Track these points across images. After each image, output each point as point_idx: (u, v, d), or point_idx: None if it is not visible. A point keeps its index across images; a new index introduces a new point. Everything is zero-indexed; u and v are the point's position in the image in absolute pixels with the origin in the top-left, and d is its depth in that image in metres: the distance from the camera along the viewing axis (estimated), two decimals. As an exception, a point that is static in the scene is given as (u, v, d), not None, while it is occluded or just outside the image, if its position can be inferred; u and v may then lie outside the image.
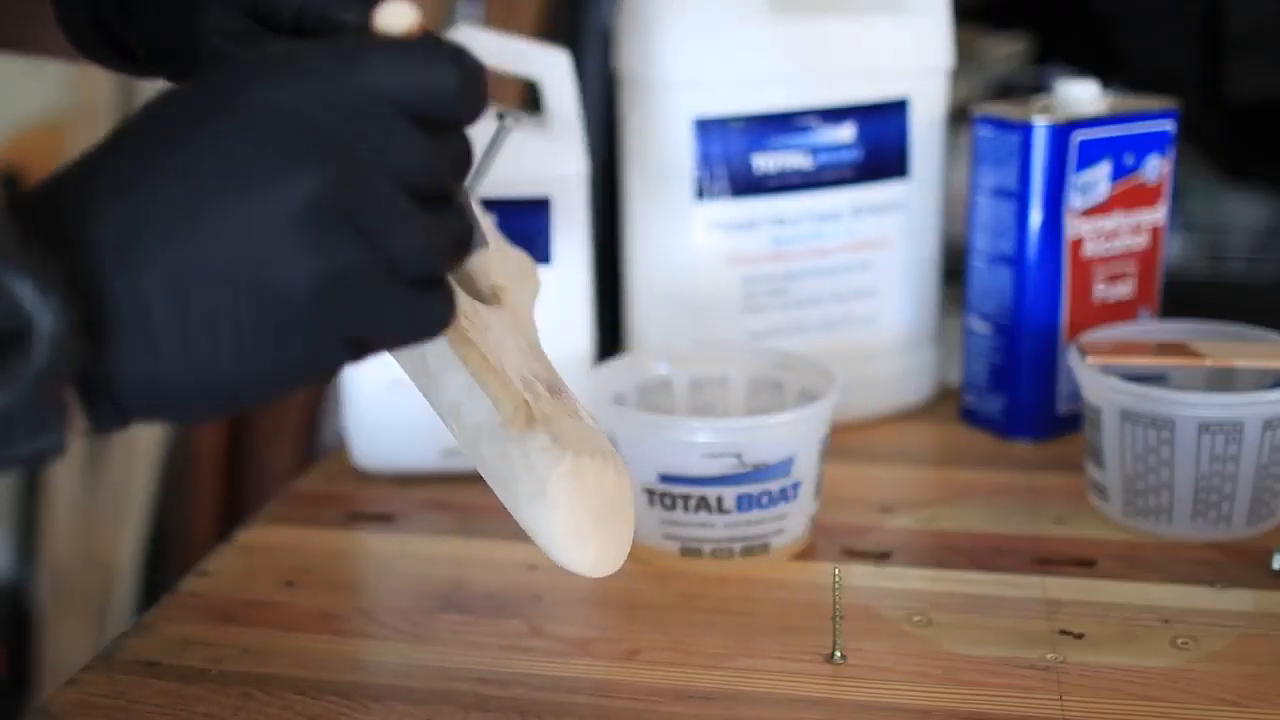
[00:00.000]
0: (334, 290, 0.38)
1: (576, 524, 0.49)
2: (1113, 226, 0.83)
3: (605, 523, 0.50)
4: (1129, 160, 0.82)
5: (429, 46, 0.41)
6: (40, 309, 0.35)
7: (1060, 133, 0.80)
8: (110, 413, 0.39)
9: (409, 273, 0.40)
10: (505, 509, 0.57)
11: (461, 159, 0.43)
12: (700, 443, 0.67)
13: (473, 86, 0.41)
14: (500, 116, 0.58)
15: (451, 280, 0.45)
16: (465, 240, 0.42)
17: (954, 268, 0.91)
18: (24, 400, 0.35)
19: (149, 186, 0.38)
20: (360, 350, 0.41)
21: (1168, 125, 0.84)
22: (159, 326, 0.38)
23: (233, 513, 1.39)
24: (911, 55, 0.85)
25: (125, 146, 0.40)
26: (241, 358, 0.38)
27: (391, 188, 0.40)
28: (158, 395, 0.39)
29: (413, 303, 0.41)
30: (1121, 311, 0.85)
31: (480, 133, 0.50)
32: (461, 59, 0.41)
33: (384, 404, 0.79)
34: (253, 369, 0.39)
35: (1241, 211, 1.25)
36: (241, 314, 0.38)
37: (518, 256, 0.61)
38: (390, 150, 0.40)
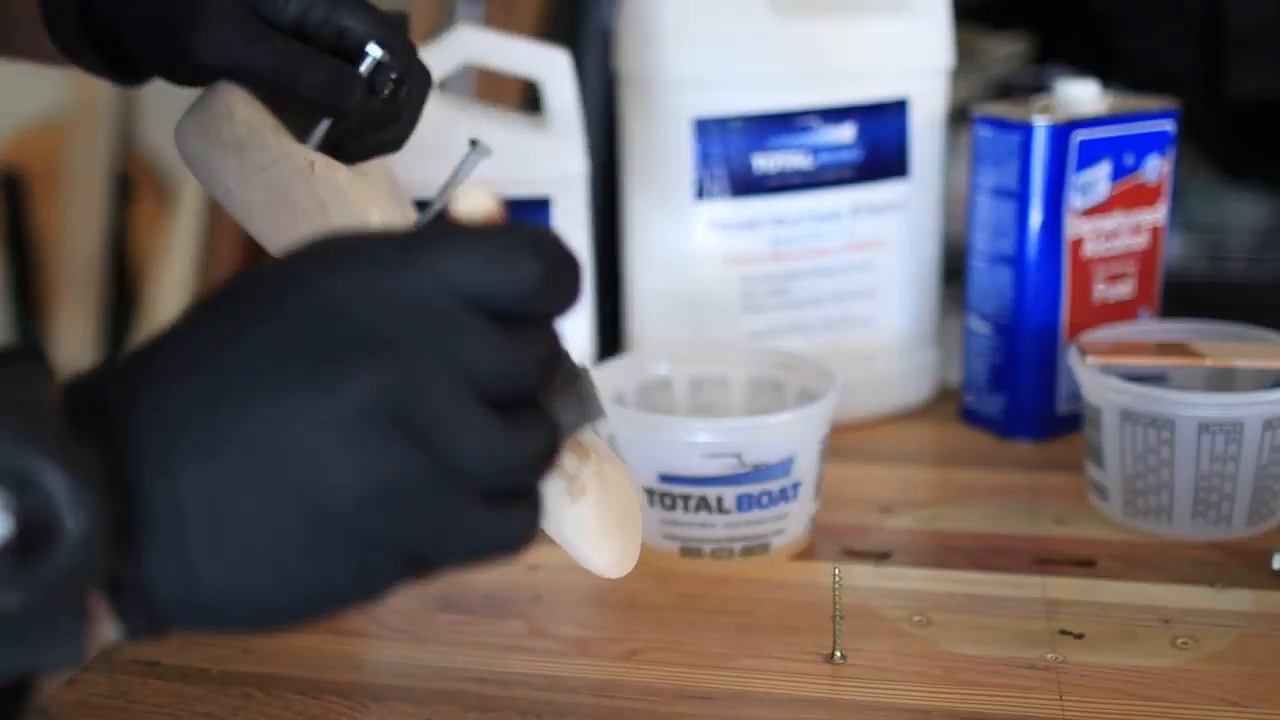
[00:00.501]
0: (385, 503, 0.34)
1: (602, 524, 0.49)
2: (1113, 226, 0.83)
3: (625, 523, 0.50)
4: (1129, 160, 0.82)
5: (506, 234, 0.36)
6: (73, 505, 0.32)
7: (1060, 133, 0.80)
8: (142, 620, 0.35)
9: (482, 486, 0.36)
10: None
11: (551, 359, 0.38)
12: (700, 443, 0.67)
13: (559, 278, 0.37)
14: (472, 143, 0.57)
15: None
16: (551, 450, 0.37)
17: (954, 268, 0.91)
18: (41, 604, 0.32)
19: (195, 385, 0.35)
20: (422, 569, 0.36)
21: (1168, 125, 0.84)
22: (194, 532, 0.34)
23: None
24: (911, 55, 0.85)
25: (178, 338, 0.37)
26: (281, 571, 0.35)
27: (459, 391, 0.35)
28: (192, 604, 0.35)
29: (485, 519, 0.36)
30: (1121, 311, 0.85)
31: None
32: (546, 248, 0.36)
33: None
34: (295, 584, 0.35)
35: (1241, 211, 1.25)
36: (282, 524, 0.34)
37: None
38: (459, 350, 0.35)
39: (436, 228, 0.37)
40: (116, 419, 0.35)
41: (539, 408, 0.38)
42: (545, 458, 0.37)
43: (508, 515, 0.36)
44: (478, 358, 0.36)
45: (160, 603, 0.35)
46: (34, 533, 0.32)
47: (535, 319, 0.37)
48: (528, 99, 0.99)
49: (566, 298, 0.37)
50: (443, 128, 0.77)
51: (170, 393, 0.35)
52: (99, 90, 1.74)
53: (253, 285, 0.37)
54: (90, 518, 0.32)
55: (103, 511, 0.33)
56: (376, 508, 0.34)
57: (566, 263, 0.37)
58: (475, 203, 0.38)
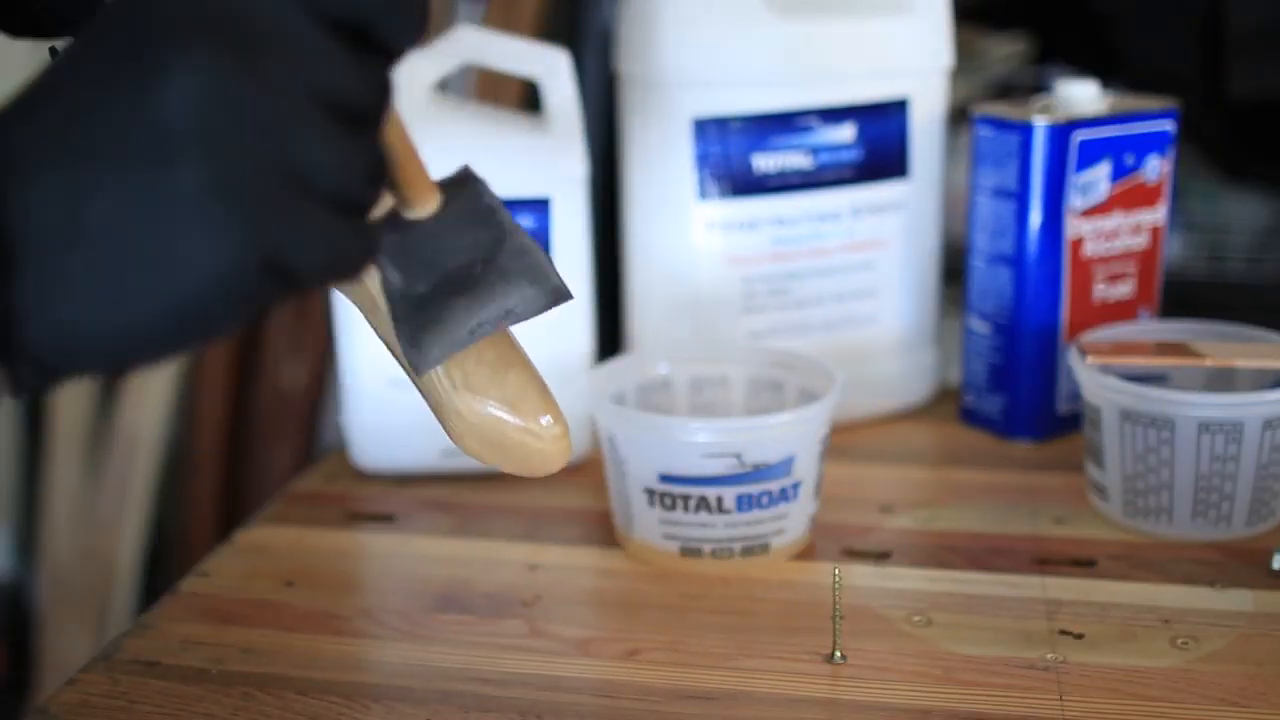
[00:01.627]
0: (232, 187, 0.34)
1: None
2: (1113, 226, 0.83)
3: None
4: (1129, 160, 0.82)
5: None
6: None
7: (1060, 133, 0.80)
8: (16, 359, 0.35)
9: (324, 190, 0.37)
10: (505, 509, 0.57)
11: (385, 87, 0.39)
12: (700, 443, 0.67)
13: (405, 5, 0.38)
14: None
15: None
16: (380, 169, 0.39)
17: (954, 268, 0.91)
18: None
19: (42, 95, 0.35)
20: (280, 276, 0.36)
21: (1168, 125, 0.84)
22: (56, 246, 0.34)
23: (233, 513, 1.39)
24: (911, 55, 0.85)
25: (43, 73, 0.37)
26: (149, 275, 0.35)
27: (306, 95, 0.36)
28: (68, 335, 0.35)
29: (331, 225, 0.37)
30: (1121, 311, 0.85)
31: None
32: None
33: (384, 404, 0.79)
34: (164, 290, 0.35)
35: (1241, 211, 1.25)
36: (140, 224, 0.34)
37: None
38: (306, 59, 0.36)
39: None
40: None
41: (370, 131, 0.39)
42: (376, 172, 0.38)
43: (350, 225, 0.38)
44: (325, 69, 0.37)
45: (29, 337, 0.35)
46: None
47: (378, 44, 0.39)
48: (528, 99, 0.99)
49: (411, 28, 0.39)
50: (443, 128, 0.77)
51: (16, 111, 0.35)
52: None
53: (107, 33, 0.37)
54: None
55: None
56: (232, 197, 0.34)
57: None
58: None
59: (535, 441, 0.49)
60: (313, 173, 0.36)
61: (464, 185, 0.47)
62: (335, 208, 0.37)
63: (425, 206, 0.46)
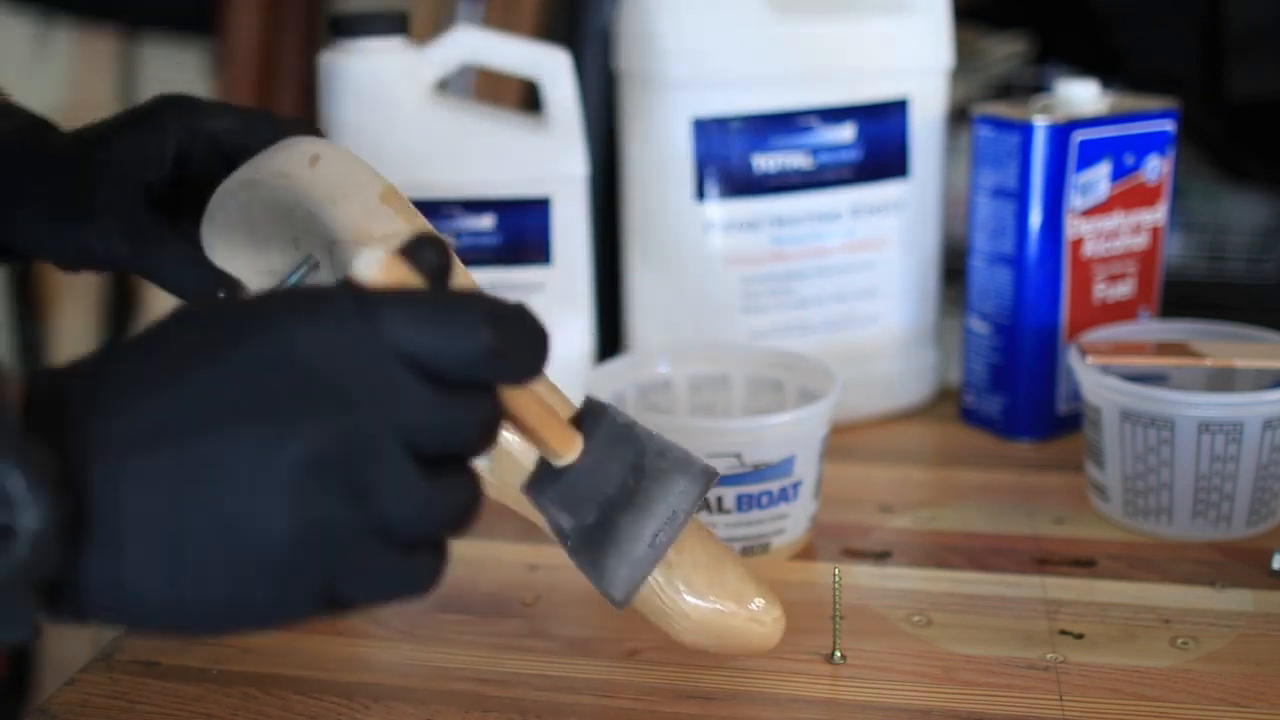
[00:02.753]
0: (310, 545, 0.37)
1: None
2: (1113, 226, 0.83)
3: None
4: (1129, 160, 0.82)
5: (460, 303, 0.39)
6: (28, 503, 0.35)
7: (1060, 133, 0.80)
8: (69, 614, 0.38)
9: (400, 536, 0.39)
10: (505, 509, 0.57)
11: (486, 418, 0.40)
12: (700, 443, 0.67)
13: (511, 349, 0.39)
14: (307, 258, 0.55)
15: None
16: (471, 508, 0.40)
17: (954, 268, 0.91)
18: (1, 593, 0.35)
19: (154, 406, 0.38)
20: (336, 605, 0.39)
21: (1168, 125, 0.84)
22: (130, 541, 0.37)
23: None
24: (911, 55, 0.85)
25: (140, 354, 0.39)
26: (203, 590, 0.38)
27: (392, 448, 0.38)
28: (117, 607, 0.38)
29: (398, 566, 0.39)
30: (1121, 311, 0.85)
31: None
32: (498, 319, 0.39)
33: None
34: (214, 604, 0.38)
35: (1241, 211, 1.25)
36: (212, 550, 0.37)
37: None
38: (397, 409, 0.38)
39: (399, 292, 0.39)
40: (72, 423, 0.37)
41: (464, 465, 0.40)
42: (465, 512, 0.40)
43: (418, 562, 0.40)
44: (418, 418, 0.38)
45: (89, 600, 0.38)
46: None
47: (480, 384, 0.40)
48: (528, 99, 0.99)
49: (519, 366, 0.40)
50: (443, 128, 0.77)
51: (128, 406, 0.38)
52: (99, 90, 1.74)
53: (220, 317, 0.40)
54: (44, 515, 0.35)
55: (54, 510, 0.35)
56: (301, 548, 0.37)
57: (520, 328, 0.40)
58: (369, 259, 0.39)
59: (759, 628, 0.55)
60: (393, 523, 0.38)
61: (597, 414, 0.50)
62: (408, 549, 0.39)
63: (571, 451, 0.48)
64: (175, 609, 0.38)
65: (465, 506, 0.40)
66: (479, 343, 0.38)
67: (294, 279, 0.54)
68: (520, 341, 0.40)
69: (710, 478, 0.52)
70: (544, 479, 0.49)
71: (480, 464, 0.54)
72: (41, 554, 0.35)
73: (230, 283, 0.57)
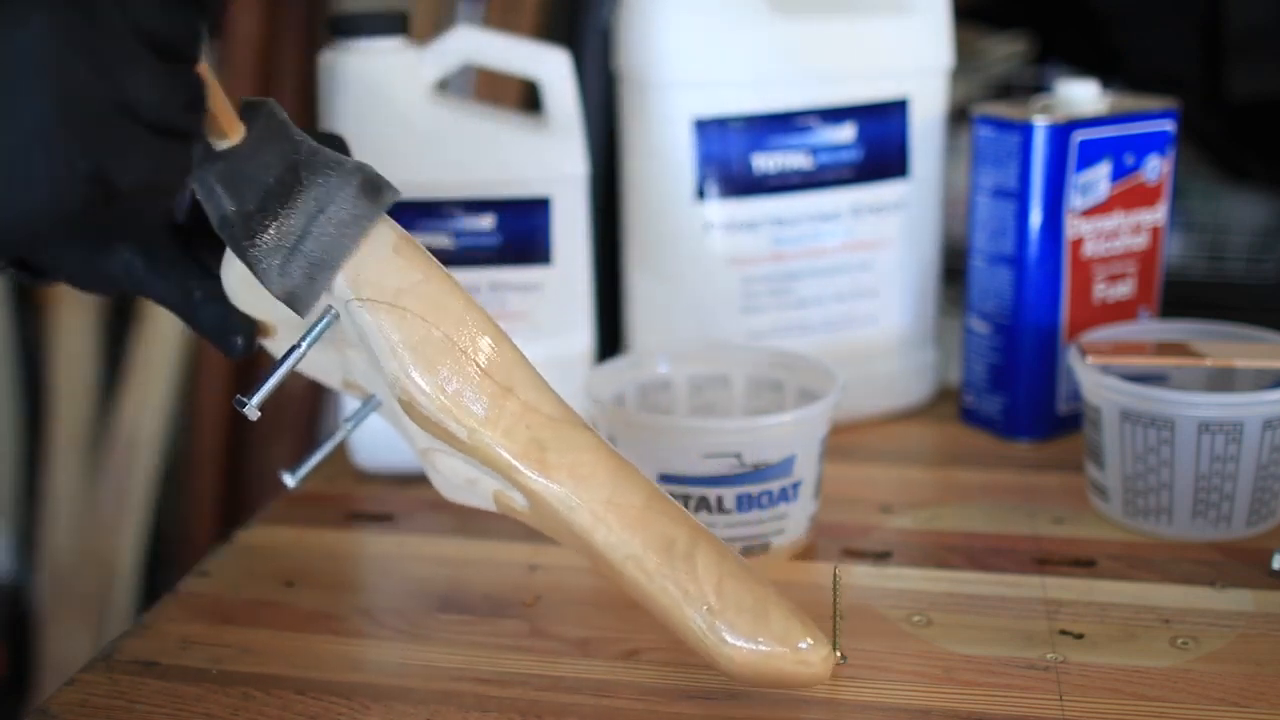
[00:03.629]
0: (71, 116, 0.40)
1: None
2: (1113, 226, 0.83)
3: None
4: (1129, 160, 0.82)
5: None
6: None
7: (1060, 133, 0.80)
8: None
9: (149, 118, 0.42)
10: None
11: (199, 29, 0.45)
12: (700, 443, 0.67)
13: None
14: (328, 309, 0.55)
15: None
16: (200, 97, 0.45)
17: (954, 268, 0.91)
18: None
19: None
20: (106, 189, 0.42)
21: (1168, 125, 0.84)
22: None
23: (233, 513, 1.39)
24: (911, 55, 0.85)
25: None
26: None
27: (133, 35, 0.42)
28: None
29: (153, 147, 0.43)
30: (1121, 311, 0.85)
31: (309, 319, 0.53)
32: None
33: (384, 404, 0.79)
34: (5, 201, 0.40)
35: (1241, 211, 1.25)
36: None
37: None
38: (134, 5, 0.42)
39: None
40: None
41: (189, 64, 0.45)
42: (196, 99, 0.45)
43: (171, 147, 0.44)
44: (148, 8, 0.43)
45: None
46: None
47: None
48: (528, 99, 0.99)
49: None
50: (443, 128, 0.77)
51: None
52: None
53: None
54: None
55: None
56: (63, 124, 0.40)
57: None
58: None
59: (807, 668, 0.55)
60: (139, 103, 0.42)
61: (257, 108, 0.52)
62: (158, 132, 0.43)
63: (234, 134, 0.51)
64: None
65: (196, 94, 0.45)
66: None
67: (317, 329, 0.54)
68: None
69: (370, 178, 0.53)
70: (207, 159, 0.51)
71: (518, 503, 0.55)
72: None
73: (250, 322, 0.58)
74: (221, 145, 0.51)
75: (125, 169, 0.42)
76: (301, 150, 0.52)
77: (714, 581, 0.54)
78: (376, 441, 0.81)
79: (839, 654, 0.60)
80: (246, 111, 0.52)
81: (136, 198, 0.44)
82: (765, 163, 0.82)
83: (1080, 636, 0.62)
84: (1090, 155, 0.81)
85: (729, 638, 0.54)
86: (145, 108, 0.42)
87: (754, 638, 0.54)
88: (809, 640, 0.55)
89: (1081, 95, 0.82)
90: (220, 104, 0.50)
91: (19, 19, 0.39)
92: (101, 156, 0.41)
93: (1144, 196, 0.84)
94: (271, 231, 0.51)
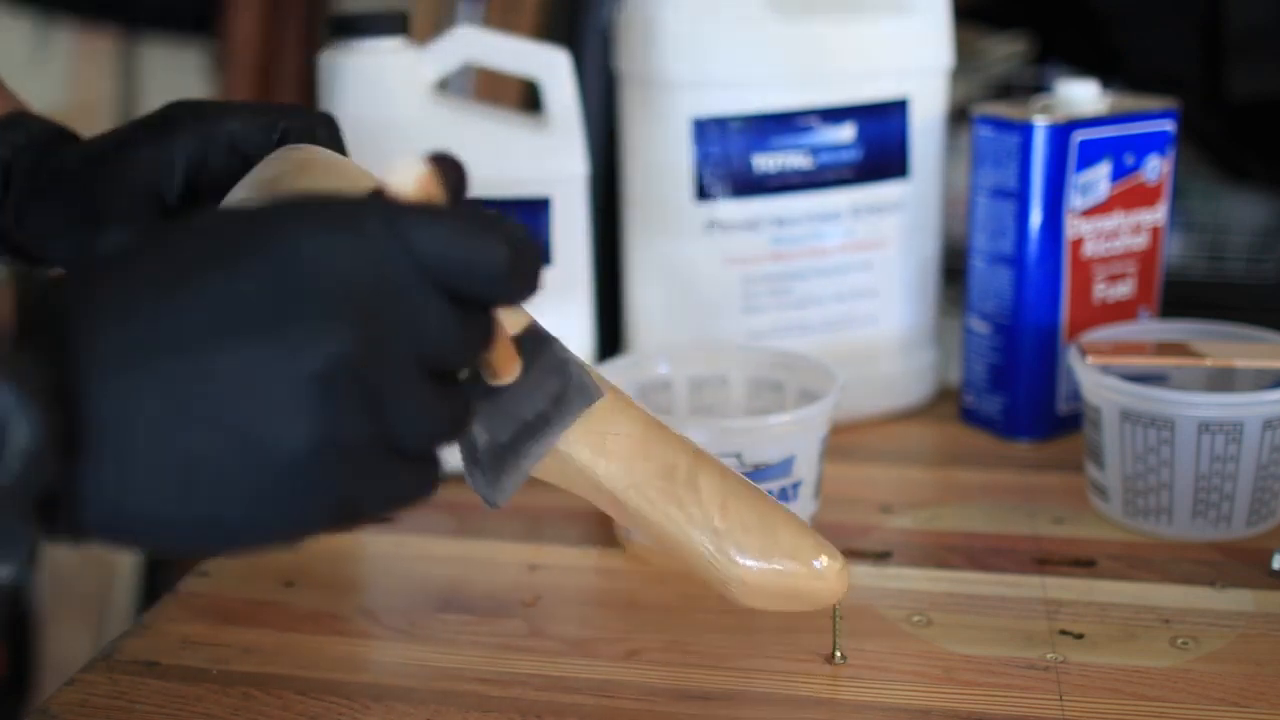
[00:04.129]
0: (328, 456, 0.36)
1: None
2: (1113, 226, 0.83)
3: None
4: (1129, 160, 0.82)
5: (478, 219, 0.39)
6: (19, 420, 0.33)
7: (1060, 133, 0.80)
8: (65, 532, 0.36)
9: (409, 449, 0.39)
10: (505, 509, 0.57)
11: (487, 337, 0.41)
12: (700, 443, 0.67)
13: (521, 267, 0.40)
14: None
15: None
16: (465, 419, 0.41)
17: (954, 268, 0.91)
18: None
19: (161, 312, 0.36)
20: (347, 519, 0.39)
21: (1168, 125, 0.84)
22: (136, 457, 0.35)
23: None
24: (911, 55, 0.85)
25: (144, 262, 0.37)
26: (214, 508, 0.36)
27: (412, 365, 0.38)
28: (119, 525, 0.36)
29: (404, 476, 0.39)
30: (1121, 311, 0.85)
31: None
32: (512, 236, 0.39)
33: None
34: (224, 522, 0.37)
35: (1241, 211, 1.25)
36: (227, 464, 0.36)
37: None
38: (418, 326, 0.38)
39: (428, 207, 0.39)
40: (70, 333, 0.35)
41: (457, 379, 0.41)
42: (462, 423, 0.41)
43: (420, 469, 0.40)
44: (437, 335, 0.38)
45: (88, 519, 0.36)
46: None
47: (490, 302, 0.41)
48: (528, 99, 0.99)
49: (526, 286, 0.40)
50: (443, 128, 0.77)
51: (132, 313, 0.36)
52: (99, 90, 1.74)
53: (230, 224, 0.38)
54: (35, 431, 0.33)
55: (46, 426, 0.33)
56: (319, 463, 0.36)
57: (530, 252, 0.40)
58: (407, 174, 0.40)
59: (821, 583, 0.54)
60: (402, 438, 0.38)
61: (540, 341, 0.50)
62: (416, 459, 0.40)
63: (510, 375, 0.49)
64: (181, 528, 0.37)
65: (462, 418, 0.41)
66: (501, 264, 0.39)
67: None
68: (528, 258, 0.40)
69: (591, 393, 0.52)
70: (476, 395, 0.49)
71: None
72: (34, 471, 0.33)
73: None
74: (494, 382, 0.49)
75: (373, 501, 0.39)
76: (570, 382, 0.51)
77: (718, 503, 0.53)
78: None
79: (839, 654, 0.60)
80: (528, 344, 0.50)
81: (376, 520, 0.41)
82: (765, 163, 0.82)
83: (1080, 636, 0.62)
84: (1090, 155, 0.81)
85: (738, 558, 0.53)
86: (407, 441, 0.38)
87: (764, 557, 0.53)
88: (824, 558, 0.54)
89: (1081, 95, 0.82)
90: (503, 344, 0.47)
91: (296, 347, 0.36)
92: (352, 490, 0.38)
93: (1144, 196, 0.84)
94: (518, 459, 0.50)
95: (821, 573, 0.54)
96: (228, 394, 0.36)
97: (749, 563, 0.53)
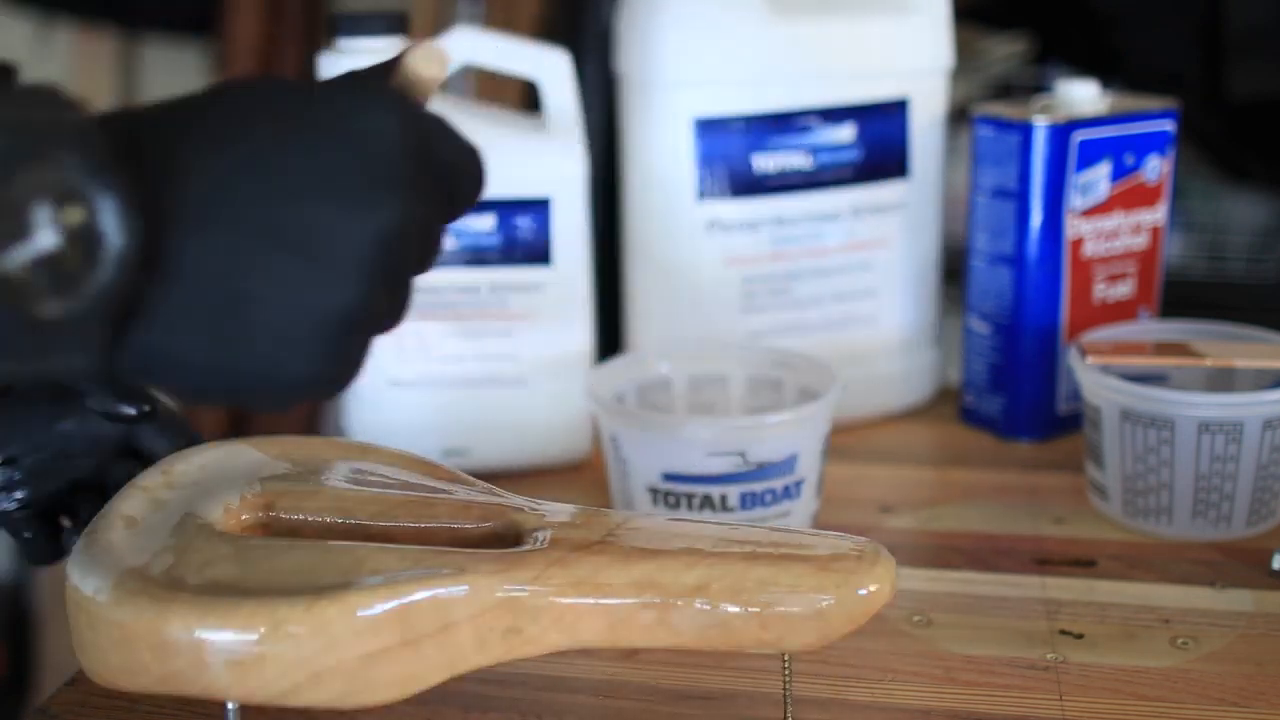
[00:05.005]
0: (361, 321, 0.40)
1: None
2: (1113, 226, 0.83)
3: None
4: (1129, 160, 0.82)
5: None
6: (120, 226, 0.35)
7: (1060, 133, 0.80)
8: (120, 350, 0.38)
9: (380, 327, 0.43)
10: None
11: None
12: (704, 441, 0.67)
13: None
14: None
15: None
16: None
17: (954, 268, 0.91)
18: (80, 314, 0.35)
19: (246, 158, 0.39)
20: (353, 376, 0.42)
21: (1168, 125, 0.84)
22: (189, 297, 0.38)
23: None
24: (911, 55, 0.85)
25: (224, 108, 0.40)
26: (249, 356, 0.39)
27: (439, 242, 0.44)
28: (168, 355, 0.39)
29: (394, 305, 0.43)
30: (1121, 311, 0.85)
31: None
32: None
33: (384, 404, 0.79)
34: (254, 370, 0.39)
35: (1241, 211, 1.25)
36: (270, 314, 0.38)
37: None
38: (454, 208, 0.45)
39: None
40: (153, 164, 0.38)
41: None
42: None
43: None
44: (456, 217, 0.46)
45: (146, 341, 0.38)
46: (76, 248, 0.35)
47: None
48: (528, 99, 0.99)
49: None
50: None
51: (219, 158, 0.39)
52: (99, 90, 1.74)
53: (300, 92, 0.41)
54: (133, 239, 0.36)
55: (138, 239, 0.36)
56: (352, 328, 0.40)
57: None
58: (428, 61, 0.44)
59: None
60: (386, 319, 0.43)
61: None
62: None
63: None
64: (233, 373, 0.39)
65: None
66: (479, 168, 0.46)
67: None
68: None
69: None
70: None
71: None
72: (127, 277, 0.36)
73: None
74: None
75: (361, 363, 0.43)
76: None
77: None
78: (376, 441, 0.81)
79: None
80: None
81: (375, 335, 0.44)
82: (765, 163, 0.82)
83: (1080, 636, 0.62)
84: (1090, 155, 0.81)
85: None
86: (390, 324, 0.43)
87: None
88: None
89: (1081, 95, 0.82)
90: None
91: (366, 206, 0.39)
92: (364, 352, 0.42)
93: (1144, 196, 0.84)
94: None
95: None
96: (288, 250, 0.38)
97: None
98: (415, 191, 0.40)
